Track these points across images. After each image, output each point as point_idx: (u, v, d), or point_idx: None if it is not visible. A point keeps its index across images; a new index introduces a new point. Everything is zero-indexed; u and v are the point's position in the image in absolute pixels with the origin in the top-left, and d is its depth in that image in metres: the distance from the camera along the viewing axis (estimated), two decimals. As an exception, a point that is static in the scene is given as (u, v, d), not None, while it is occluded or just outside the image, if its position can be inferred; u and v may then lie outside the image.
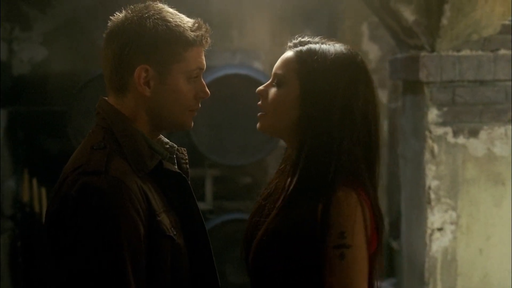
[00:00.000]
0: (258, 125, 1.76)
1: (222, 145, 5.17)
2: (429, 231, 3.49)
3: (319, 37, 1.76)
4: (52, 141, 5.34)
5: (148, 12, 1.65)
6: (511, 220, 3.49)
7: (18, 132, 5.34)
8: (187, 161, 1.81)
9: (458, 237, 3.50)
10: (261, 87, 1.76)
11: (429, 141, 3.48)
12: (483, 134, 3.49)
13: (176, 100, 1.67)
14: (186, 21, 1.68)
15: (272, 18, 5.59)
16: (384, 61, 5.16)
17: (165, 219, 1.62)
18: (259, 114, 1.76)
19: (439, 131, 3.48)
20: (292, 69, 1.71)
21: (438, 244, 3.49)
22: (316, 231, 1.59)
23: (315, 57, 1.69)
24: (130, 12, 1.67)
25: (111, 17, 1.69)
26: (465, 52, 3.47)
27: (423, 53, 3.46)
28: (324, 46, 1.71)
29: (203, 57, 1.70)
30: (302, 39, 1.76)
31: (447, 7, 3.36)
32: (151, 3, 1.69)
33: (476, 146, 3.50)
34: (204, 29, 1.68)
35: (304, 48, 1.72)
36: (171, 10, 1.69)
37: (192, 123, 1.73)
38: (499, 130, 3.50)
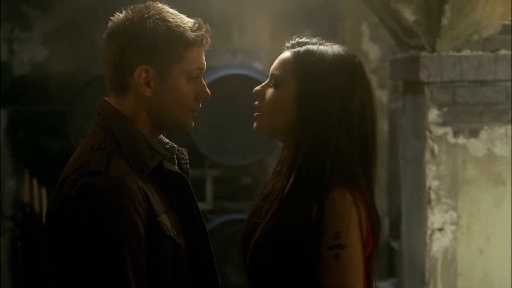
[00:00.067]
0: (254, 125, 1.76)
1: (222, 145, 5.17)
2: (429, 231, 3.48)
3: (318, 37, 1.76)
4: (52, 141, 5.34)
5: (148, 12, 1.65)
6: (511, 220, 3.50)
7: (18, 132, 5.34)
8: (187, 161, 1.81)
9: (459, 237, 3.49)
10: (258, 87, 1.75)
11: (430, 141, 3.47)
12: (483, 134, 3.49)
13: (177, 101, 1.67)
14: (187, 21, 1.68)
15: (273, 18, 5.58)
16: (385, 61, 5.16)
17: (165, 219, 1.62)
18: (255, 114, 1.76)
19: (440, 131, 3.48)
20: (289, 70, 1.70)
21: (438, 244, 3.49)
22: (311, 231, 1.59)
23: (313, 58, 1.68)
24: (130, 12, 1.67)
25: (111, 17, 1.69)
26: (466, 52, 3.47)
27: (423, 53, 3.46)
28: (322, 47, 1.70)
29: (204, 57, 1.70)
30: (300, 40, 1.75)
31: (447, 7, 3.36)
32: (151, 3, 1.69)
33: (477, 146, 3.49)
34: (204, 29, 1.68)
35: (302, 49, 1.71)
36: (171, 10, 1.69)
37: (193, 123, 1.73)
38: (500, 130, 3.49)
